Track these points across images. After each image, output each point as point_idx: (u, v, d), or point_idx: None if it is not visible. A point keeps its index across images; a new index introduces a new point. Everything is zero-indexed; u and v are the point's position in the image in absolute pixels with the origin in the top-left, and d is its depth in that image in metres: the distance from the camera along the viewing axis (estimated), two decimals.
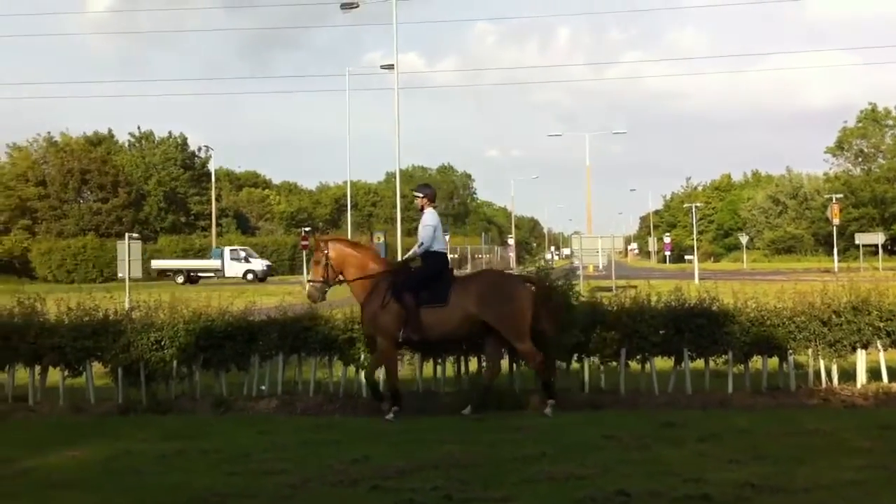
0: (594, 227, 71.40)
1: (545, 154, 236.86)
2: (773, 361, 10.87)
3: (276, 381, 11.04)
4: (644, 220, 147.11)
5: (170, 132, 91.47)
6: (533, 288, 10.18)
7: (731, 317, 10.66)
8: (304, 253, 54.44)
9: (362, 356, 10.73)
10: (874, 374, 10.78)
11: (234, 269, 61.79)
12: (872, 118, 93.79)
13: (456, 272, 10.88)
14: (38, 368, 11.14)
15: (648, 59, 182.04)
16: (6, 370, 11.17)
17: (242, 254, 63.64)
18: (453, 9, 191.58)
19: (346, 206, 66.13)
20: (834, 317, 10.63)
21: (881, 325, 10.57)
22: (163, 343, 10.84)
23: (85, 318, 11.05)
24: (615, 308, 10.89)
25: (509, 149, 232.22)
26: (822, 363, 10.73)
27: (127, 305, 12.18)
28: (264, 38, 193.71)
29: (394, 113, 39.78)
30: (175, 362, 10.84)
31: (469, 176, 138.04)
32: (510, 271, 26.98)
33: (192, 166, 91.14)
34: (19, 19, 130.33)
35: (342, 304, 11.37)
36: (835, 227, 63.42)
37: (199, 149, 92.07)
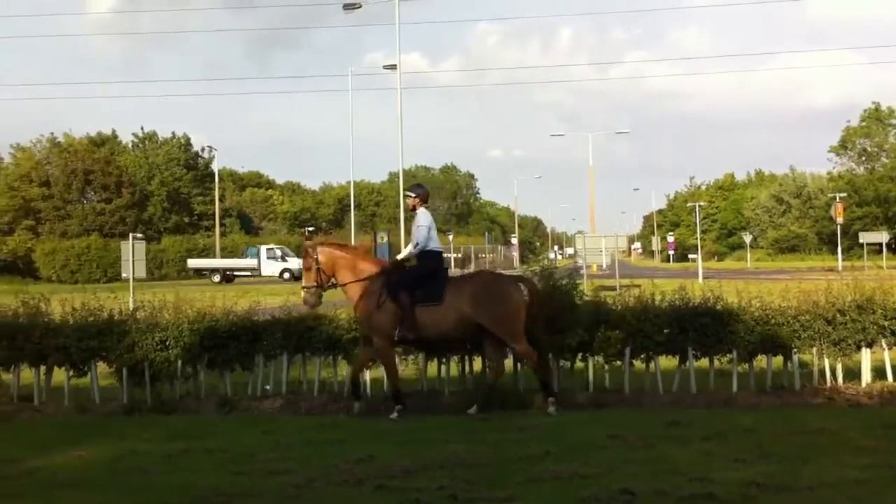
0: (597, 227, 71.38)
1: (548, 154, 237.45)
2: (778, 360, 10.86)
3: (281, 380, 11.05)
4: (647, 219, 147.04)
5: (173, 133, 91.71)
6: (525, 288, 10.19)
7: (735, 316, 10.65)
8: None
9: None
10: (879, 372, 10.76)
11: (270, 268, 61.67)
12: (876, 117, 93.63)
13: (457, 272, 10.91)
14: (43, 368, 11.15)
15: (651, 59, 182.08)
16: (11, 370, 11.20)
17: (279, 252, 63.47)
18: (455, 9, 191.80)
19: (350, 206, 66.20)
20: (838, 315, 10.62)
21: (886, 323, 10.55)
22: (167, 343, 10.85)
23: (90, 319, 11.07)
24: (619, 307, 10.89)
25: (512, 148, 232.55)
26: (826, 362, 10.72)
27: (131, 305, 12.19)
28: (267, 39, 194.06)
29: (396, 113, 39.80)
30: (180, 362, 10.86)
31: (472, 176, 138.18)
32: (512, 271, 26.96)
33: (195, 167, 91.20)
34: (21, 20, 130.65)
35: (345, 304, 11.36)
36: (838, 226, 63.33)
37: (203, 149, 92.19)
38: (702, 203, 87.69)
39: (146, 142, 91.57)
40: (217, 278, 61.53)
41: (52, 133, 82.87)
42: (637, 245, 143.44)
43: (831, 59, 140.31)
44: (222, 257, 69.05)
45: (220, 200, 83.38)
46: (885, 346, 10.66)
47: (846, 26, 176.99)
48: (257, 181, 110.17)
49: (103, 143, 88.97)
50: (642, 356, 10.73)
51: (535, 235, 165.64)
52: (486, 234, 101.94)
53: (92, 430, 9.71)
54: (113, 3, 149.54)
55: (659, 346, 10.65)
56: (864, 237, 61.10)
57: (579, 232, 74.27)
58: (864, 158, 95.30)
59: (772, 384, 10.69)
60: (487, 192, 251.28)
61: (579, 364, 10.86)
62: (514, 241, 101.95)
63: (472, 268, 62.75)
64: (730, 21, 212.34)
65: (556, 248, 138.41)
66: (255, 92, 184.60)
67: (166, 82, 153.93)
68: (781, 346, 10.64)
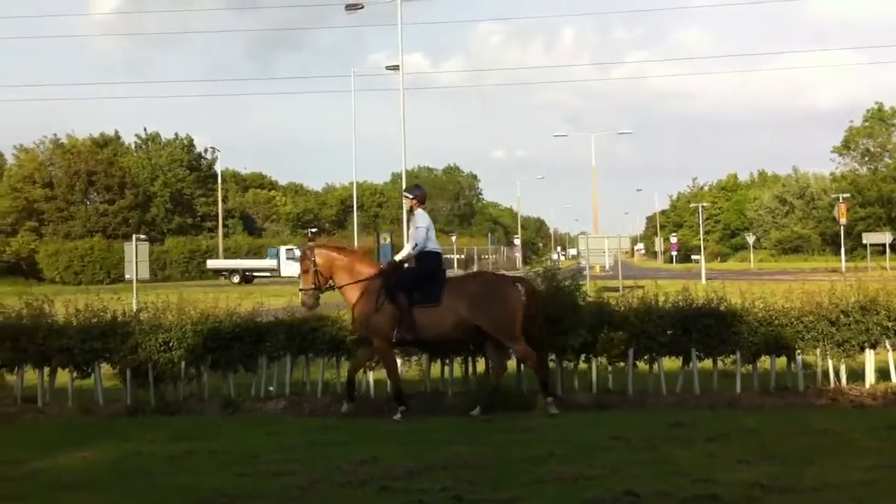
0: (600, 228, 71.11)
1: (551, 154, 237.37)
2: (782, 361, 10.85)
3: (284, 382, 11.05)
4: (650, 220, 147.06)
5: (176, 134, 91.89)
6: (523, 289, 10.19)
7: (738, 317, 10.65)
8: None
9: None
10: (883, 373, 10.75)
11: (290, 269, 61.59)
12: (879, 117, 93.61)
13: (460, 273, 10.92)
14: (46, 370, 11.16)
15: (654, 59, 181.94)
16: (15, 372, 11.22)
17: (298, 253, 63.46)
18: (458, 9, 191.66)
19: (353, 207, 66.12)
20: (842, 316, 10.61)
21: (889, 324, 10.54)
22: (171, 344, 10.86)
23: (93, 320, 11.08)
24: (622, 308, 10.88)
25: (515, 149, 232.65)
26: (830, 363, 10.71)
27: (135, 307, 12.20)
28: (270, 40, 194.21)
29: (399, 114, 39.75)
30: (183, 363, 10.86)
31: (475, 176, 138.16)
32: (515, 272, 26.93)
33: (198, 168, 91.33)
34: (24, 21, 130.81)
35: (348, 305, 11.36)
36: (842, 227, 63.28)
37: (206, 150, 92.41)
38: (705, 204, 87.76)
39: (149, 143, 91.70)
40: (237, 279, 61.70)
41: (55, 134, 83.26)
42: (640, 246, 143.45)
43: (833, 60, 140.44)
44: (244, 257, 69.00)
45: (223, 201, 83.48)
46: (888, 346, 10.65)
47: (848, 26, 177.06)
48: (260, 182, 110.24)
49: (106, 144, 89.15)
50: (646, 357, 10.73)
51: (537, 236, 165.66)
52: (489, 235, 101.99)
53: (95, 431, 9.72)
54: (116, 4, 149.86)
55: (662, 348, 10.64)
56: (868, 238, 60.99)
57: (582, 233, 74.27)
58: (867, 159, 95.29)
59: (775, 385, 10.68)
60: (490, 192, 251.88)
61: (583, 365, 10.86)
62: (517, 242, 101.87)
63: (475, 269, 62.67)
64: (732, 21, 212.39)
65: (558, 249, 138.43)
66: (257, 93, 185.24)
67: (169, 83, 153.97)
68: (785, 347, 10.63)
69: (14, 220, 77.56)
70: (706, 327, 10.56)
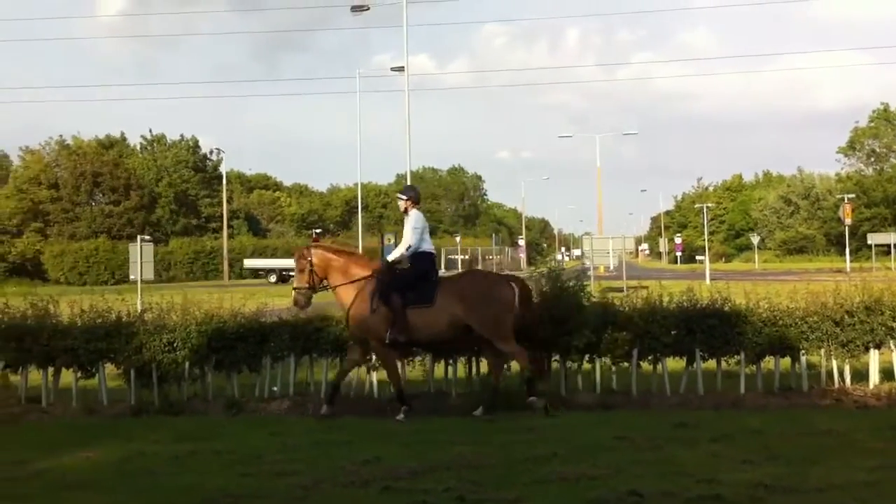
0: (605, 228, 71.23)
1: (556, 155, 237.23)
2: (786, 362, 10.84)
3: (288, 382, 11.07)
4: (655, 220, 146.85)
5: (181, 135, 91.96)
6: (516, 287, 10.19)
7: (743, 317, 10.63)
8: None
9: (372, 357, 10.75)
10: (887, 374, 10.74)
11: None
12: (884, 118, 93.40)
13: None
14: (51, 370, 11.19)
15: (659, 60, 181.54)
16: (19, 372, 11.23)
17: None
18: (463, 10, 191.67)
19: (357, 207, 66.17)
20: (846, 317, 10.59)
21: (894, 324, 10.53)
22: (175, 345, 10.88)
23: (98, 321, 11.10)
24: (626, 309, 10.88)
25: (520, 150, 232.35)
26: (834, 363, 10.69)
27: (139, 307, 12.22)
28: (275, 41, 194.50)
29: (404, 115, 39.75)
30: (187, 364, 10.88)
31: (479, 177, 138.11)
32: (519, 273, 26.93)
33: (203, 169, 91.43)
34: (30, 23, 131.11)
35: None
36: (847, 227, 63.21)
37: (211, 151, 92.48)
38: (709, 204, 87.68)
39: (154, 144, 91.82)
40: (273, 278, 61.80)
41: (60, 135, 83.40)
42: (644, 246, 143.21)
43: (838, 60, 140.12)
44: (278, 257, 68.65)
45: (228, 202, 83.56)
46: (893, 347, 10.64)
47: (853, 27, 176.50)
48: (265, 183, 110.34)
49: (112, 145, 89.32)
50: (650, 358, 10.72)
51: (542, 237, 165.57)
52: (494, 235, 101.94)
53: (100, 431, 9.74)
54: (122, 6, 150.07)
55: (666, 348, 10.64)
56: (873, 238, 60.97)
57: (587, 233, 74.24)
58: (872, 159, 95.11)
59: (780, 386, 10.67)
60: (495, 193, 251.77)
61: (586, 365, 10.85)
62: (522, 242, 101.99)
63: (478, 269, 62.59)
64: (736, 22, 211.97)
65: (563, 249, 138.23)
66: (263, 94, 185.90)
67: (175, 85, 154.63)
68: (789, 347, 10.62)
69: (20, 221, 77.70)
70: (710, 328, 10.55)
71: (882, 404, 10.07)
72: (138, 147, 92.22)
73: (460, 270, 56.19)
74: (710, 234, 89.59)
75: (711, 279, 34.98)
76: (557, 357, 10.76)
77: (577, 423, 9.35)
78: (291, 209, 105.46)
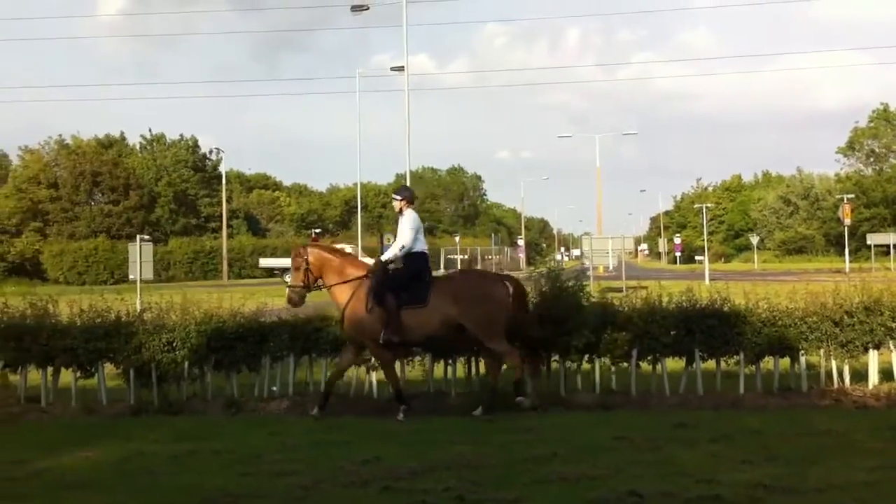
0: (604, 228, 71.23)
1: (555, 155, 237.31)
2: (785, 362, 10.85)
3: (288, 382, 11.07)
4: (654, 220, 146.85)
5: (181, 135, 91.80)
6: (510, 286, 10.19)
7: (742, 317, 10.64)
8: None
9: (372, 358, 10.75)
10: (886, 374, 10.74)
11: None
12: (884, 118, 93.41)
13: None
14: (50, 370, 11.18)
15: (659, 60, 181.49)
16: (19, 371, 11.23)
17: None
18: (462, 10, 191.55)
19: (357, 207, 66.18)
20: (846, 317, 10.60)
21: (893, 325, 10.53)
22: (174, 344, 10.88)
23: (97, 320, 11.09)
24: (626, 309, 10.88)
25: (519, 150, 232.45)
26: (833, 364, 10.70)
27: (139, 307, 12.22)
28: (275, 41, 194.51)
29: (404, 114, 39.77)
30: (186, 363, 10.88)
31: (479, 177, 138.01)
32: (518, 273, 26.91)
33: (202, 168, 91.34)
34: (29, 23, 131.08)
35: None
36: (846, 228, 63.21)
37: (210, 151, 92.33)
38: (709, 204, 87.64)
39: (154, 144, 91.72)
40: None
41: (60, 135, 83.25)
42: (644, 246, 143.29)
43: (839, 60, 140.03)
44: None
45: (228, 202, 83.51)
46: (892, 347, 10.64)
47: (853, 27, 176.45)
48: (264, 183, 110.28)
49: (111, 144, 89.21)
50: (649, 358, 10.73)
51: (541, 237, 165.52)
52: (493, 235, 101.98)
53: (99, 431, 9.74)
54: (122, 6, 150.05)
55: (666, 348, 10.64)
56: (872, 239, 60.93)
57: (586, 233, 74.24)
58: (871, 159, 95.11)
59: (779, 386, 10.67)
60: (494, 193, 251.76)
61: (586, 366, 10.85)
62: (521, 242, 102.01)
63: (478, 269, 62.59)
64: (737, 22, 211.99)
65: (562, 249, 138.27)
66: (262, 94, 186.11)
67: (174, 84, 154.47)
68: (789, 347, 10.62)
69: (19, 220, 77.60)
70: (710, 328, 10.55)
71: (881, 405, 10.08)
72: (138, 147, 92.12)
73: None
74: (710, 234, 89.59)
75: (711, 279, 35.00)
76: (557, 357, 10.76)
77: (576, 424, 9.35)
78: (291, 209, 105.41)
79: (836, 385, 10.62)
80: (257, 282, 61.27)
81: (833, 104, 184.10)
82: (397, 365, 10.83)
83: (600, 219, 72.19)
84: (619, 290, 27.04)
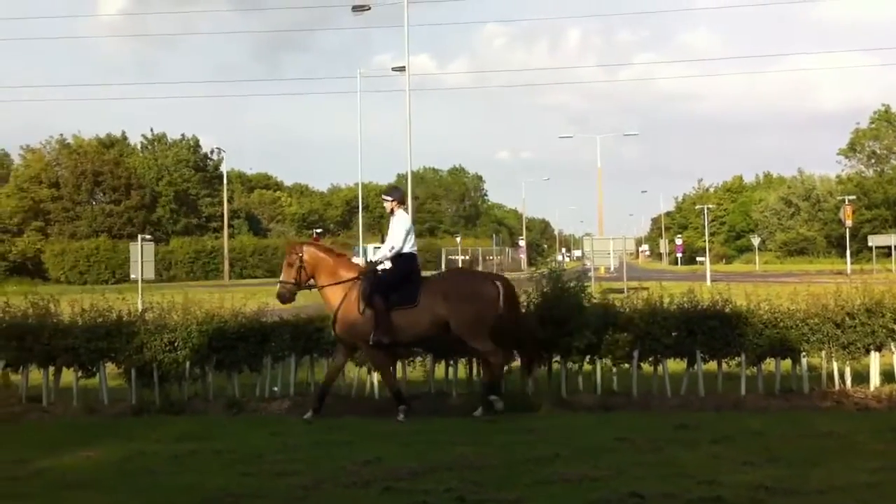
0: (605, 229, 71.26)
1: (556, 156, 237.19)
2: (787, 363, 10.84)
3: (289, 382, 11.07)
4: (655, 221, 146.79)
5: (182, 134, 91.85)
6: (500, 285, 10.19)
7: (743, 319, 10.64)
8: None
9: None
10: (887, 376, 10.75)
11: None
12: (885, 119, 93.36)
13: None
14: (51, 369, 11.19)
15: (660, 61, 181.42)
16: (20, 371, 11.23)
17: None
18: (463, 10, 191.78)
19: (358, 207, 66.16)
20: (847, 319, 10.59)
21: (895, 327, 10.52)
22: (176, 344, 10.88)
23: (98, 320, 11.10)
24: (627, 310, 10.88)
25: (520, 150, 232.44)
26: (835, 365, 10.70)
27: (140, 307, 12.23)
28: (276, 41, 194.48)
29: (405, 115, 39.74)
30: (188, 363, 10.88)
31: (480, 178, 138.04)
32: (519, 274, 26.91)
33: (204, 168, 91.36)
34: (30, 22, 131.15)
35: None
36: (847, 229, 63.17)
37: (212, 151, 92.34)
38: (710, 205, 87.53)
39: (155, 143, 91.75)
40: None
41: (61, 134, 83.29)
42: (645, 247, 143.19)
43: (841, 61, 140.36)
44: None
45: (229, 202, 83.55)
46: (893, 349, 10.64)
47: (855, 28, 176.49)
48: (265, 183, 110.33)
49: (112, 144, 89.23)
50: (650, 359, 10.72)
51: (542, 238, 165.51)
52: (494, 236, 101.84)
53: (100, 430, 9.74)
54: (122, 5, 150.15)
55: (667, 349, 10.64)
56: (873, 240, 60.86)
57: (587, 234, 74.24)
58: (873, 161, 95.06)
59: (780, 387, 10.67)
60: (495, 194, 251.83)
61: (587, 366, 10.85)
62: (522, 243, 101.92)
63: (479, 270, 62.57)
64: (739, 22, 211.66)
65: (563, 250, 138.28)
66: (263, 94, 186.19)
67: (176, 84, 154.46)
68: (790, 349, 10.62)
69: (20, 220, 77.66)
70: (711, 329, 10.55)
71: (883, 406, 10.08)
72: (139, 146, 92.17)
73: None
74: (711, 235, 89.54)
75: (712, 280, 34.98)
76: (558, 358, 10.76)
77: (577, 425, 9.36)
78: (292, 209, 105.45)
79: (837, 387, 10.62)
80: (258, 282, 61.32)
81: (834, 105, 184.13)
82: (398, 366, 10.85)
83: (601, 220, 72.18)
84: (621, 291, 27.04)
